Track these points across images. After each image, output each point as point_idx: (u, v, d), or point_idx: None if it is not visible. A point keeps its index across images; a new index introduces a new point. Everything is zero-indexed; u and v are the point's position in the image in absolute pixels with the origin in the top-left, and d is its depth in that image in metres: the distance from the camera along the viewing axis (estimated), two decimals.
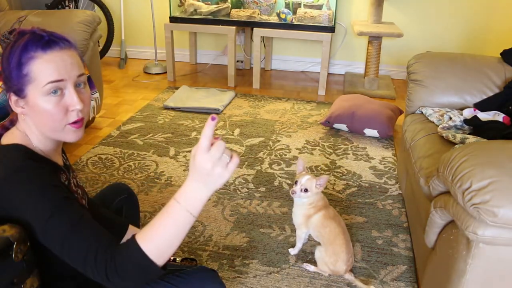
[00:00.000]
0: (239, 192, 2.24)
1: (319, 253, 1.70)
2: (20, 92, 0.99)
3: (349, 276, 1.66)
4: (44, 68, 0.97)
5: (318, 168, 2.48)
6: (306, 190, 1.68)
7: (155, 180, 2.32)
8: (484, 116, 1.91)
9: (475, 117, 1.89)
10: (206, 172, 0.87)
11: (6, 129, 1.05)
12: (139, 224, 1.60)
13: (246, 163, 2.52)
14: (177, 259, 1.68)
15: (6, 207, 0.94)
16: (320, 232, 1.70)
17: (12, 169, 0.94)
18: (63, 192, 0.96)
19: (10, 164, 0.96)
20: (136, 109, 3.24)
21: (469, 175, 1.17)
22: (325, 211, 1.71)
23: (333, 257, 1.65)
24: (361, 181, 2.38)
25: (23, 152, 1.00)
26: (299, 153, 2.65)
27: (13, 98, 1.01)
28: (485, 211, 1.11)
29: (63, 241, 0.91)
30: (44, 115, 0.99)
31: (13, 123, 1.07)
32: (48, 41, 0.98)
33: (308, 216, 1.72)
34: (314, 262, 1.75)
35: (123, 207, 1.51)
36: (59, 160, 1.11)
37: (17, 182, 0.93)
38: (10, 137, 1.04)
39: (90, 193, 1.63)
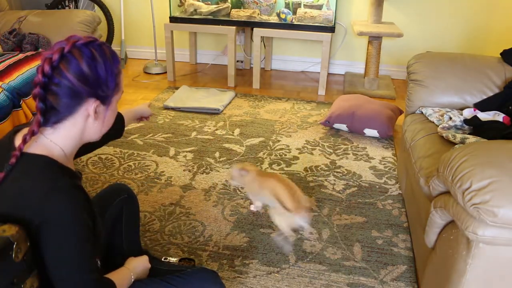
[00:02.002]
0: (239, 192, 2.24)
1: (271, 215, 1.87)
2: (105, 100, 1.07)
3: (303, 219, 1.75)
4: (122, 79, 1.13)
5: (318, 168, 2.48)
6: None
7: (155, 180, 2.32)
8: (484, 116, 1.91)
9: (475, 117, 1.89)
10: (144, 267, 1.36)
11: (32, 133, 1.03)
12: (139, 225, 1.60)
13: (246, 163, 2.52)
14: (172, 259, 1.67)
15: (29, 210, 0.97)
16: (260, 193, 1.90)
17: (51, 187, 0.98)
18: (89, 227, 1.04)
19: (48, 181, 0.99)
20: None
21: (469, 175, 1.17)
22: (257, 172, 1.97)
23: (280, 210, 1.79)
24: (361, 181, 2.38)
25: (51, 165, 1.03)
26: (299, 153, 2.65)
27: (95, 105, 1.05)
28: (485, 211, 1.11)
29: (64, 277, 1.01)
30: (112, 119, 1.13)
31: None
32: None
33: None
34: (314, 262, 1.75)
35: (123, 207, 1.51)
36: (73, 166, 1.13)
37: (56, 201, 0.97)
38: (34, 146, 1.04)
39: (90, 194, 1.63)
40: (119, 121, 1.52)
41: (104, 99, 1.07)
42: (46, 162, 1.02)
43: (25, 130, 1.07)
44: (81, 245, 1.01)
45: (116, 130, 1.52)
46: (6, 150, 1.05)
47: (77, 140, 1.09)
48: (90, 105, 1.04)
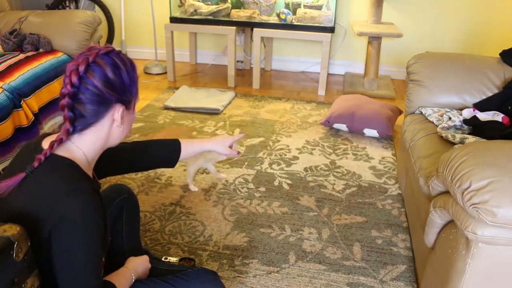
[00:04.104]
0: (239, 192, 2.24)
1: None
2: (129, 105, 1.12)
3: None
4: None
5: (318, 168, 2.49)
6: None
7: (155, 180, 2.32)
8: (483, 116, 1.91)
9: (474, 117, 1.90)
10: (144, 267, 1.35)
11: (60, 141, 1.07)
12: (139, 224, 1.60)
13: (246, 163, 2.52)
14: (173, 259, 1.67)
15: (46, 208, 0.99)
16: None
17: (70, 188, 1.01)
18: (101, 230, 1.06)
19: (69, 182, 1.02)
20: (137, 109, 3.23)
21: (468, 175, 1.18)
22: None
23: None
24: (360, 181, 2.38)
25: (74, 168, 1.06)
26: (299, 153, 2.65)
27: (121, 109, 1.10)
28: (484, 211, 1.12)
29: (70, 279, 1.02)
30: (131, 122, 1.18)
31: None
32: None
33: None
34: (314, 262, 1.76)
35: (124, 207, 1.52)
36: (91, 173, 1.15)
37: (73, 202, 1.00)
38: (60, 148, 1.07)
39: None
40: (174, 149, 1.46)
41: (128, 104, 1.12)
42: (69, 165, 1.06)
43: (53, 137, 1.10)
44: (92, 248, 1.02)
45: (167, 157, 1.46)
46: (32, 152, 1.08)
47: (101, 146, 1.13)
48: (116, 111, 1.09)
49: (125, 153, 1.37)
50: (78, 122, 1.06)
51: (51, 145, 1.05)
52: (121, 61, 1.08)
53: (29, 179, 1.02)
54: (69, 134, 1.07)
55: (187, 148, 1.47)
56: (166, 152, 1.46)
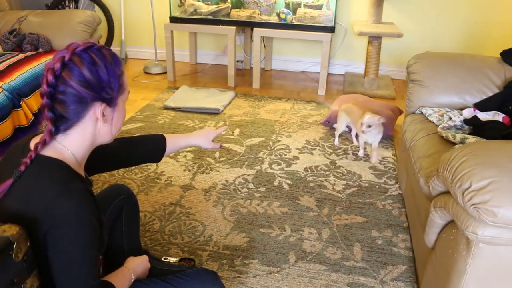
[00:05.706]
0: (239, 192, 2.24)
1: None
2: (111, 102, 1.08)
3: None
4: (126, 79, 1.13)
5: (318, 168, 2.49)
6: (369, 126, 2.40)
7: (155, 180, 2.32)
8: (483, 116, 1.91)
9: (474, 117, 1.89)
10: (144, 267, 1.35)
11: (44, 142, 1.05)
12: (139, 225, 1.60)
13: (246, 163, 2.52)
14: (172, 259, 1.67)
15: (40, 210, 0.98)
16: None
17: (61, 190, 0.99)
18: (96, 231, 1.04)
19: (60, 183, 1.01)
20: (136, 109, 3.24)
21: (468, 175, 1.17)
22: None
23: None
24: (361, 181, 2.38)
25: (64, 168, 1.05)
26: (299, 153, 2.65)
27: (101, 108, 1.06)
28: (484, 211, 1.12)
29: (67, 280, 1.02)
30: (120, 120, 1.14)
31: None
32: None
33: None
34: (314, 262, 1.75)
35: (123, 207, 1.51)
36: (83, 172, 1.14)
37: (66, 203, 0.99)
38: (47, 149, 1.06)
39: None
40: (159, 144, 1.47)
41: (110, 101, 1.08)
42: (58, 165, 1.04)
43: (39, 137, 1.08)
44: (88, 249, 1.02)
45: (152, 151, 1.47)
46: (21, 154, 1.06)
47: (89, 145, 1.11)
48: (97, 109, 1.06)
49: (111, 150, 1.36)
50: (60, 122, 1.04)
51: (35, 147, 1.03)
52: (101, 57, 1.04)
53: (18, 183, 1.01)
54: (52, 134, 1.04)
55: (172, 143, 1.49)
56: (152, 148, 1.47)
